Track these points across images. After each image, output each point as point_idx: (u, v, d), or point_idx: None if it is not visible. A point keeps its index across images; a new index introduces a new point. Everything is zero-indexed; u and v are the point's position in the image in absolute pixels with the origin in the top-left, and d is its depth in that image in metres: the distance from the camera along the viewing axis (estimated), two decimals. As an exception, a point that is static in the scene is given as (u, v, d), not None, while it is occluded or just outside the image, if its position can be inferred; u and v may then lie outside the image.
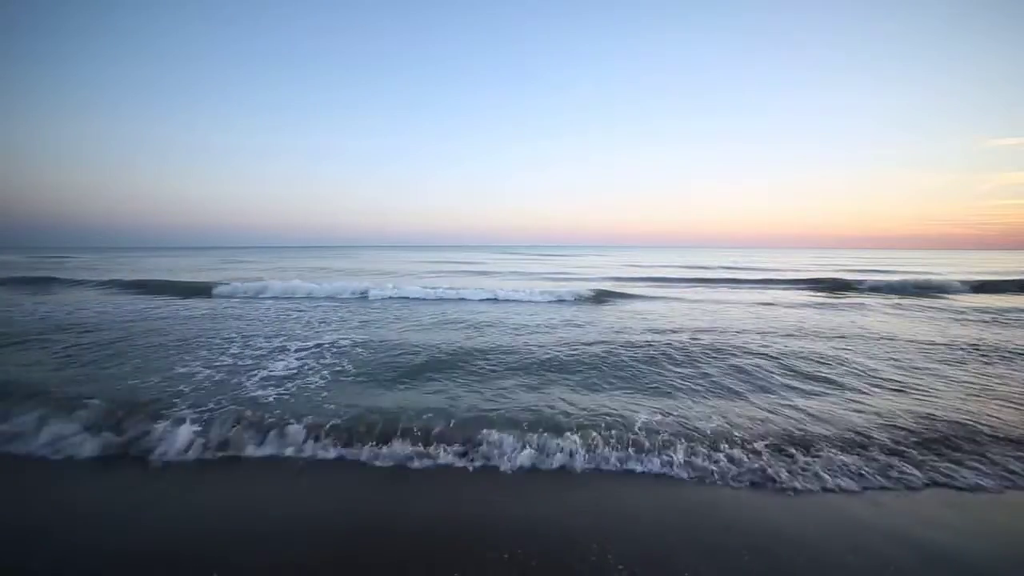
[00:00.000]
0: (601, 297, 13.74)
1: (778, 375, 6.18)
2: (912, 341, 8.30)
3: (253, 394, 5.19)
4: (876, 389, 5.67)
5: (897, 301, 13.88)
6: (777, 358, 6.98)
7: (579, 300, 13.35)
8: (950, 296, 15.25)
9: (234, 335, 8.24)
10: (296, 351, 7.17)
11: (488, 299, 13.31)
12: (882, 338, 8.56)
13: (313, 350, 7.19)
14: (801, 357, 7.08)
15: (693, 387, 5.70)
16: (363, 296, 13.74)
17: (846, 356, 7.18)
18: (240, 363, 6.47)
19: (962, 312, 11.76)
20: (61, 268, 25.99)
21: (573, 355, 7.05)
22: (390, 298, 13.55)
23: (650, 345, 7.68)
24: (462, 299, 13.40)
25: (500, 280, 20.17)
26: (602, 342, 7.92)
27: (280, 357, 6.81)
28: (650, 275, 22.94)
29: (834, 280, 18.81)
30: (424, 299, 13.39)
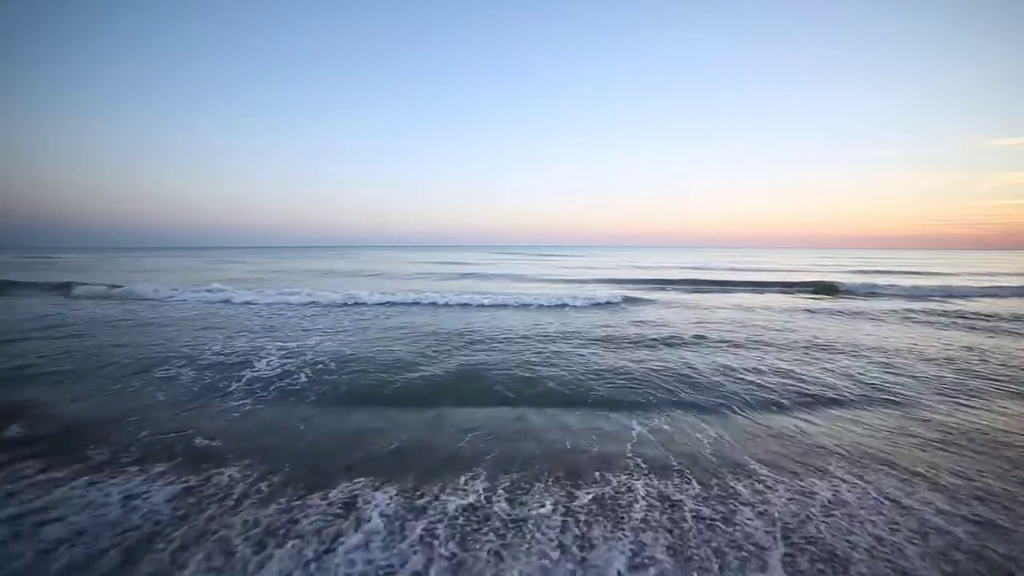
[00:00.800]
0: (603, 302, 13.18)
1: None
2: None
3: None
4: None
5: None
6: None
7: (580, 305, 12.78)
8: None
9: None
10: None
11: (477, 305, 12.76)
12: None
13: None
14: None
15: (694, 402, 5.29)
16: (311, 303, 12.93)
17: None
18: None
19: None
20: None
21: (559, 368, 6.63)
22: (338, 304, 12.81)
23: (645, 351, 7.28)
24: (435, 304, 12.85)
25: (495, 283, 19.70)
26: (590, 354, 7.49)
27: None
28: (655, 277, 22.24)
29: (823, 282, 18.37)
30: (376, 303, 12.81)
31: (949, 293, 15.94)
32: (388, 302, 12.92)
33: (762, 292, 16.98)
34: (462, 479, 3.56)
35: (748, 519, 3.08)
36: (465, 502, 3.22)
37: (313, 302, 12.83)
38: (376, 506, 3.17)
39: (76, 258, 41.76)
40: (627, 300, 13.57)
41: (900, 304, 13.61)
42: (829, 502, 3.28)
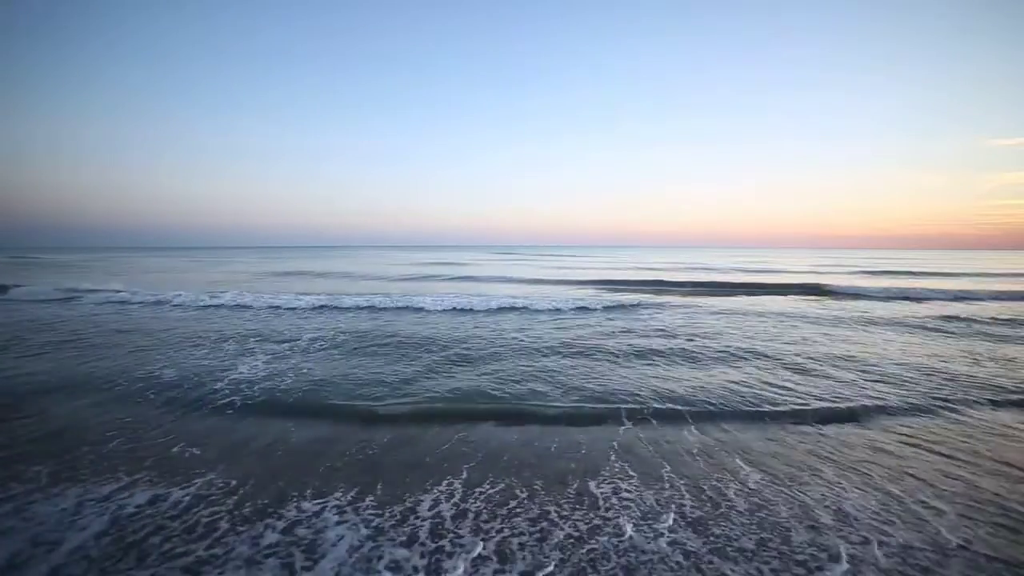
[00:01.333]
0: (598, 305, 12.69)
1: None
2: None
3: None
4: None
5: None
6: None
7: (571, 308, 12.31)
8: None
9: None
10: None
11: (462, 309, 12.20)
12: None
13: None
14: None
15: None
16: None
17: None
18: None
19: None
20: None
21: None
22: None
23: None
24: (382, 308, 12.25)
25: (487, 286, 19.18)
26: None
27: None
28: (651, 279, 21.56)
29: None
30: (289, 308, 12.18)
31: (957, 296, 15.56)
32: (371, 306, 12.38)
33: (758, 295, 16.49)
34: (426, 506, 3.16)
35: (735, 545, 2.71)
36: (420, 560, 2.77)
37: (276, 306, 12.30)
38: (330, 539, 2.76)
39: (65, 258, 41.14)
40: (622, 304, 13.08)
41: (899, 307, 13.28)
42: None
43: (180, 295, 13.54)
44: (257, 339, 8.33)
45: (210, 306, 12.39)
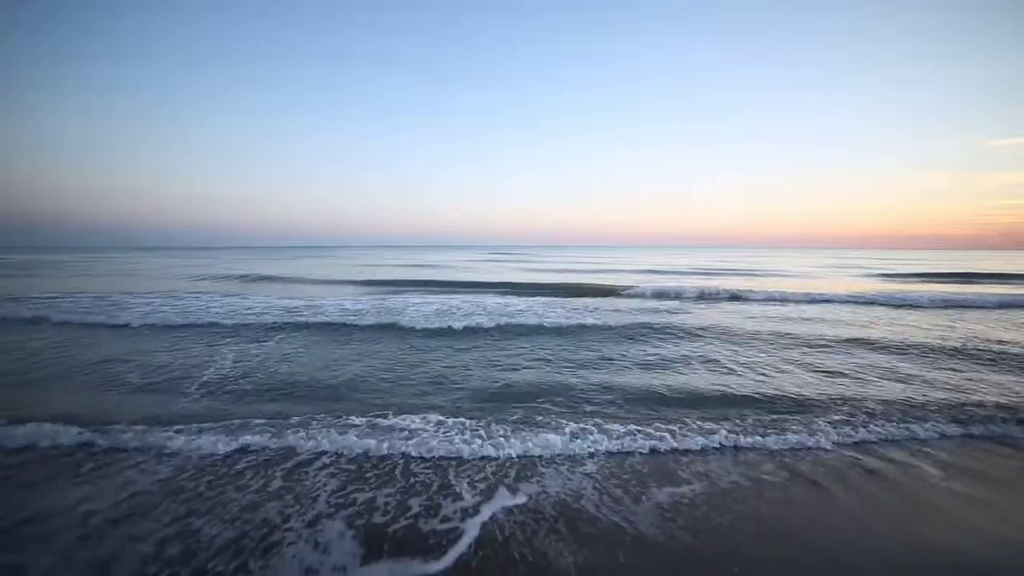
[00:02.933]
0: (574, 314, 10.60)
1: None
2: None
3: None
4: None
5: None
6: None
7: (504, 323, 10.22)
8: None
9: None
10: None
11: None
12: None
13: None
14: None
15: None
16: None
17: None
18: None
19: None
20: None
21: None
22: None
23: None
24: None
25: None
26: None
27: None
28: (666, 284, 19.31)
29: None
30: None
31: (965, 305, 13.60)
32: (330, 321, 10.13)
33: (743, 302, 14.42)
34: None
35: None
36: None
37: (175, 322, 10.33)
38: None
39: (37, 258, 39.33)
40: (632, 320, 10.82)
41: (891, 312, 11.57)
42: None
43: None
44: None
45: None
